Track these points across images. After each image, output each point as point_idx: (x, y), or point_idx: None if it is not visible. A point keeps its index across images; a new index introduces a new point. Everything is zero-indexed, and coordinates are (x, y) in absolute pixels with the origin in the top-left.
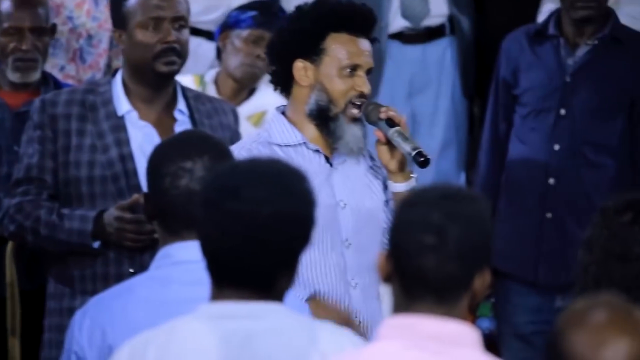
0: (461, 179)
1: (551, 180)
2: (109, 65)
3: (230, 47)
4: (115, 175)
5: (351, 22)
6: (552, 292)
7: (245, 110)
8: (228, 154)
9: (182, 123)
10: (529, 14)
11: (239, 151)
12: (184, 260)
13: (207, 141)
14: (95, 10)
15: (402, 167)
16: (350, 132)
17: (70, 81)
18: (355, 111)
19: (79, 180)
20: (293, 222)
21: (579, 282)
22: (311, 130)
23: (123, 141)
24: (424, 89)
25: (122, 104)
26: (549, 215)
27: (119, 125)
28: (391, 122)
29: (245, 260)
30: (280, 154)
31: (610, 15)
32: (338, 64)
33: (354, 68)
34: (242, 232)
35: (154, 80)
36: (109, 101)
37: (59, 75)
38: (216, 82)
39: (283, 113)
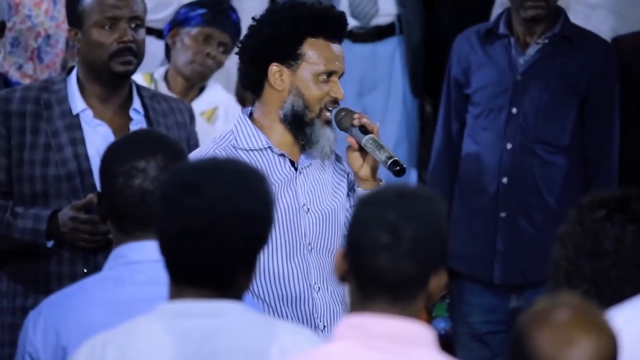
0: (413, 178)
1: (504, 179)
2: (63, 66)
3: (180, 44)
4: (69, 174)
5: (327, 28)
6: (506, 292)
7: (197, 106)
8: (181, 154)
9: (138, 122)
10: (479, 13)
11: (203, 155)
12: (137, 260)
13: (161, 141)
14: (54, 10)
15: (374, 174)
16: (325, 136)
17: (27, 80)
18: (328, 114)
19: (33, 179)
20: (251, 220)
21: (551, 278)
22: (279, 134)
23: (78, 140)
24: (375, 87)
25: (77, 103)
26: (502, 214)
27: (74, 123)
28: (364, 130)
29: (204, 258)
30: (244, 158)
31: (560, 14)
32: (315, 70)
33: (330, 74)
34: (201, 230)
35: (109, 79)
36: (64, 99)
37: (16, 74)
38: (166, 79)
39: (250, 115)
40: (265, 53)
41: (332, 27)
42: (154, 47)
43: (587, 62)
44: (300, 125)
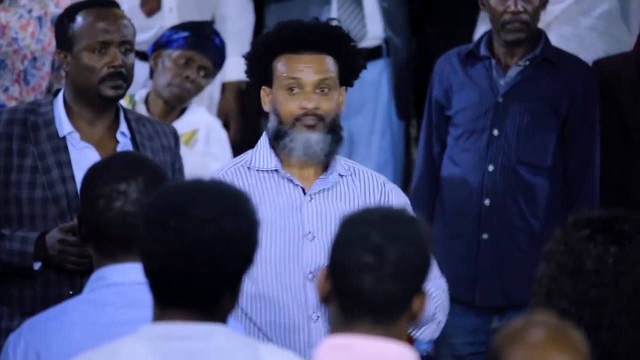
0: None
1: (486, 201)
2: (49, 89)
3: (161, 66)
4: (56, 197)
5: (294, 41)
6: (488, 313)
7: (177, 127)
8: (163, 176)
9: (124, 145)
10: (468, 35)
11: (218, 174)
12: (118, 282)
13: (142, 163)
14: (40, 33)
15: None
16: (301, 141)
17: (13, 102)
18: (309, 122)
19: (19, 201)
20: (237, 242)
21: (533, 295)
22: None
23: (64, 162)
24: (361, 109)
25: (64, 125)
26: (485, 236)
27: (60, 146)
28: None
29: (190, 279)
30: (255, 178)
31: (541, 36)
32: (281, 84)
33: (298, 85)
34: (186, 251)
35: (98, 103)
36: (50, 122)
37: (2, 96)
38: (146, 101)
39: None
40: (254, 79)
41: (298, 39)
42: (137, 69)
43: (567, 84)
44: (277, 141)
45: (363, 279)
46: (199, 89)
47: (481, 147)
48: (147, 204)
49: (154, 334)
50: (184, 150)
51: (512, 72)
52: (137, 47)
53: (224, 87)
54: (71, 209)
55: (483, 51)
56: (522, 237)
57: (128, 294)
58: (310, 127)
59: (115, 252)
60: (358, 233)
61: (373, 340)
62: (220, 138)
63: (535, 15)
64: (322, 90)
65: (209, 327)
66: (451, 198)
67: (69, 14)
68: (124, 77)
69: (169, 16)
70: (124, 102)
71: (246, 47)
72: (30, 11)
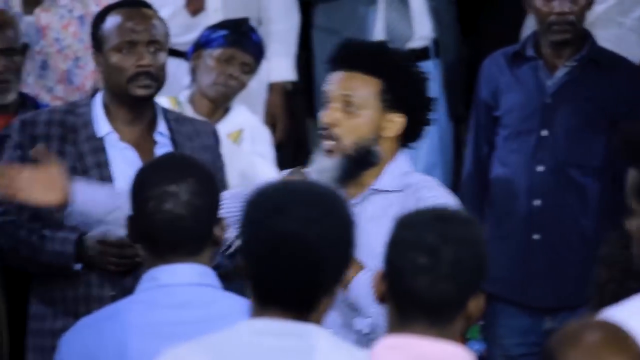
0: None
1: (536, 202)
2: (96, 88)
3: (203, 66)
4: None
5: (335, 57)
6: (541, 314)
7: (223, 128)
8: (212, 178)
9: (163, 145)
10: (518, 36)
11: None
12: (169, 283)
13: (192, 165)
14: (81, 32)
15: None
16: (316, 165)
17: (58, 102)
18: (325, 146)
19: None
20: (338, 243)
21: (595, 300)
22: None
23: (103, 163)
24: None
25: (102, 126)
26: (536, 236)
27: (99, 147)
28: None
29: (291, 280)
30: None
31: (587, 36)
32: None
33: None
34: (289, 252)
35: (131, 102)
36: (88, 123)
37: (47, 97)
38: (192, 101)
39: None
40: None
41: (338, 56)
42: (183, 70)
43: (615, 84)
44: None
45: (418, 281)
46: (242, 85)
47: (530, 147)
48: (247, 206)
49: (254, 330)
50: (233, 150)
51: (560, 72)
52: (183, 47)
53: (271, 87)
54: None
55: (530, 52)
56: (574, 238)
57: (178, 295)
58: (330, 152)
59: (165, 253)
60: (413, 234)
61: (428, 341)
62: (265, 137)
63: (581, 16)
64: (347, 107)
65: (307, 327)
66: (500, 199)
67: (101, 15)
68: (153, 77)
69: (214, 16)
70: (170, 105)
71: (292, 48)
72: (71, 11)
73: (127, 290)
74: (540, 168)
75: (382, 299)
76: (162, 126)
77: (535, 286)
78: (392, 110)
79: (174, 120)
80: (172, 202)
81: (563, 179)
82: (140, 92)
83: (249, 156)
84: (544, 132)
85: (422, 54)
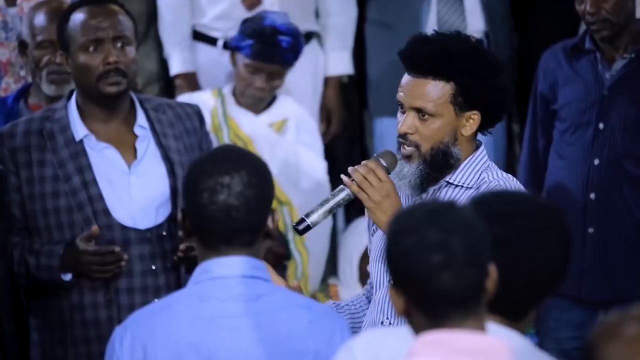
0: None
1: (592, 195)
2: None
3: (236, 69)
4: (80, 204)
5: (409, 63)
6: (595, 307)
7: (267, 118)
8: (265, 169)
9: (144, 138)
10: (572, 30)
11: None
12: (222, 275)
13: (245, 157)
14: None
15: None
16: (397, 171)
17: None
18: (404, 151)
19: (45, 212)
20: (558, 255)
21: None
22: None
23: (84, 167)
24: None
25: (79, 129)
26: (590, 230)
27: (78, 151)
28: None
29: (505, 290)
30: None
31: None
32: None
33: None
34: (508, 261)
35: (103, 101)
36: (66, 127)
37: None
38: (234, 93)
39: None
40: None
41: (406, 58)
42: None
43: None
44: None
45: (441, 279)
46: (273, 89)
47: (587, 140)
48: (477, 211)
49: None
50: (274, 139)
51: (617, 65)
52: (216, 35)
53: (326, 81)
54: (96, 214)
55: (588, 45)
56: (629, 231)
57: (232, 287)
58: (407, 158)
59: (219, 245)
60: (415, 238)
61: (468, 334)
62: (311, 128)
63: (616, 10)
64: (422, 115)
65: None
66: (557, 192)
67: (65, 15)
68: (122, 72)
69: (271, 10)
70: (212, 96)
71: (349, 42)
72: None
73: (119, 294)
74: (596, 161)
75: (404, 311)
76: (141, 119)
77: (589, 280)
78: (467, 110)
79: (153, 109)
80: (225, 193)
81: (618, 171)
82: (111, 89)
83: (291, 145)
84: (601, 125)
85: None
